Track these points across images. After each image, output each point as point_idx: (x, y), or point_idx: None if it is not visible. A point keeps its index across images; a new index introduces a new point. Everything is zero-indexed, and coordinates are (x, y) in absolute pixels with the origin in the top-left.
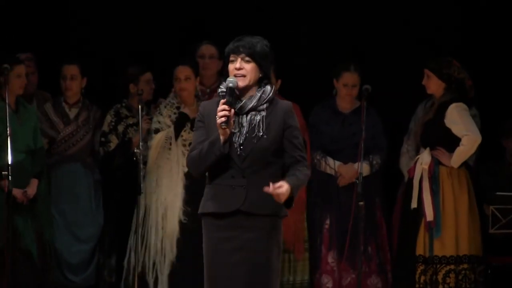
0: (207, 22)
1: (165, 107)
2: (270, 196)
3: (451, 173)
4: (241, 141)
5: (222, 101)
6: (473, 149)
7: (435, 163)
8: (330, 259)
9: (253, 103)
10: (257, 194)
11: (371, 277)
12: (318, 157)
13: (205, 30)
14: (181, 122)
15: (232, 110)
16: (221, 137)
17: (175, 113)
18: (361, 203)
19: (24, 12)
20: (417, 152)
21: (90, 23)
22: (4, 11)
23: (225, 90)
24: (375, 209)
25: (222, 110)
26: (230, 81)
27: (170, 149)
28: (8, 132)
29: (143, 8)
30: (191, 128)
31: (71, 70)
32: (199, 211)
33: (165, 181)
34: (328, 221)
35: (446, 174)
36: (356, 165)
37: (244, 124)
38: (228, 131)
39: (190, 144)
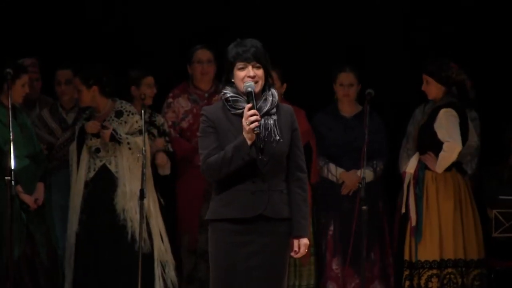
0: (207, 26)
1: (79, 120)
2: (286, 199)
3: (436, 177)
4: (261, 146)
5: (249, 105)
6: (453, 156)
7: (420, 168)
8: (334, 266)
9: (267, 106)
10: (277, 198)
11: (373, 283)
12: (320, 164)
13: (204, 33)
14: (80, 136)
15: (259, 114)
16: (249, 142)
17: (82, 124)
18: (364, 207)
19: (27, 17)
20: None
21: (92, 27)
22: (8, 16)
23: (234, 94)
24: (379, 213)
25: (253, 115)
26: (249, 85)
27: (72, 158)
28: (11, 137)
29: (144, 12)
30: (96, 136)
31: (65, 75)
32: (210, 217)
33: (71, 191)
34: (332, 227)
35: (431, 179)
36: (359, 172)
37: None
38: (255, 135)
39: (96, 149)
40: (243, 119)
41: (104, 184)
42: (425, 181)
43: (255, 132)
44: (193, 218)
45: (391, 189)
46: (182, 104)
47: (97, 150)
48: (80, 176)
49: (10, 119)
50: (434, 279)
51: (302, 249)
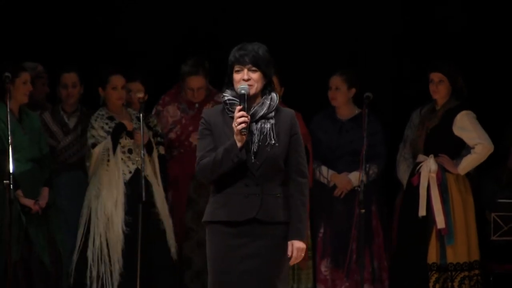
0: (205, 29)
1: (95, 120)
2: (282, 203)
3: (457, 179)
4: (254, 149)
5: (239, 107)
6: (484, 158)
7: (442, 171)
8: (323, 268)
9: (264, 110)
10: (271, 202)
11: (363, 286)
12: (313, 166)
13: (203, 37)
14: (118, 132)
15: (249, 116)
16: (238, 144)
17: (107, 124)
18: (362, 211)
19: (26, 20)
20: (415, 160)
21: (91, 30)
22: (8, 19)
23: (231, 97)
24: (371, 217)
25: (241, 117)
26: (243, 88)
27: (108, 160)
28: (10, 141)
29: (138, 16)
30: (131, 136)
31: (72, 77)
32: (206, 219)
33: (105, 192)
34: (322, 230)
35: (453, 181)
36: (350, 175)
37: (255, 132)
38: (245, 137)
39: (129, 150)
40: (233, 122)
41: (141, 188)
42: (448, 183)
43: (242, 134)
44: (176, 226)
45: (388, 192)
46: (170, 113)
47: (130, 151)
48: (119, 176)
49: (9, 122)
50: (466, 281)
51: (295, 253)
